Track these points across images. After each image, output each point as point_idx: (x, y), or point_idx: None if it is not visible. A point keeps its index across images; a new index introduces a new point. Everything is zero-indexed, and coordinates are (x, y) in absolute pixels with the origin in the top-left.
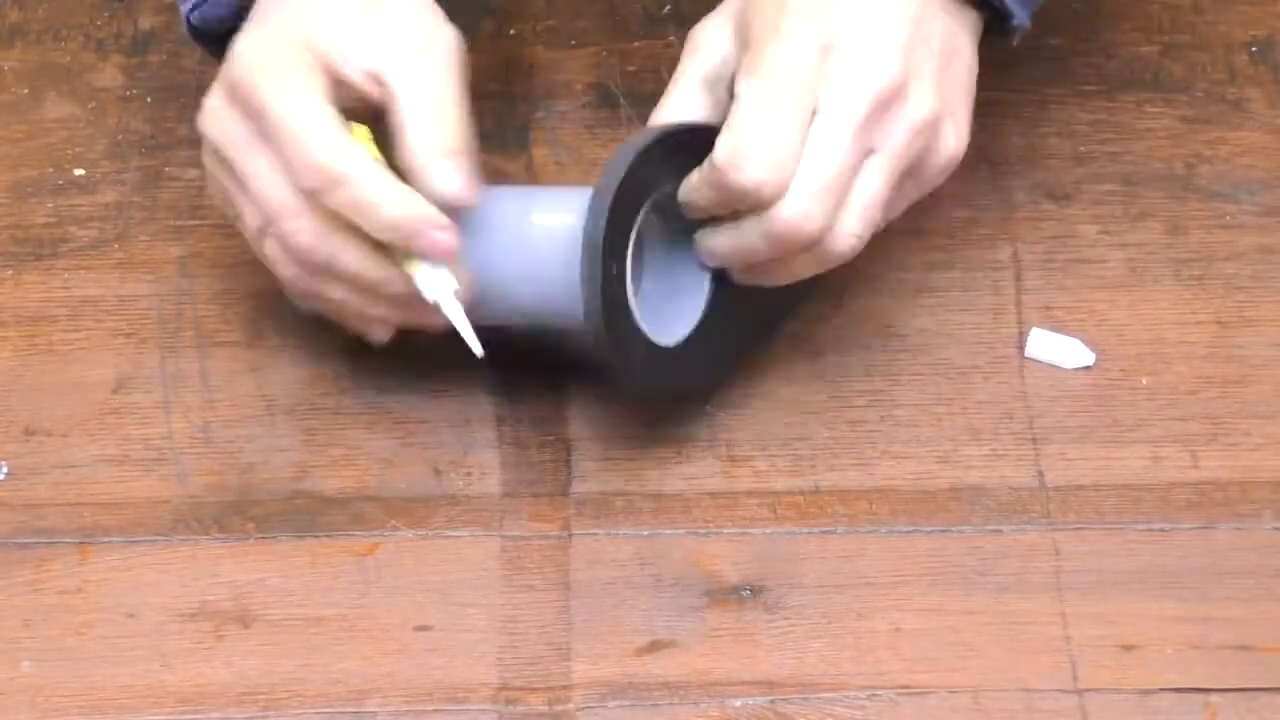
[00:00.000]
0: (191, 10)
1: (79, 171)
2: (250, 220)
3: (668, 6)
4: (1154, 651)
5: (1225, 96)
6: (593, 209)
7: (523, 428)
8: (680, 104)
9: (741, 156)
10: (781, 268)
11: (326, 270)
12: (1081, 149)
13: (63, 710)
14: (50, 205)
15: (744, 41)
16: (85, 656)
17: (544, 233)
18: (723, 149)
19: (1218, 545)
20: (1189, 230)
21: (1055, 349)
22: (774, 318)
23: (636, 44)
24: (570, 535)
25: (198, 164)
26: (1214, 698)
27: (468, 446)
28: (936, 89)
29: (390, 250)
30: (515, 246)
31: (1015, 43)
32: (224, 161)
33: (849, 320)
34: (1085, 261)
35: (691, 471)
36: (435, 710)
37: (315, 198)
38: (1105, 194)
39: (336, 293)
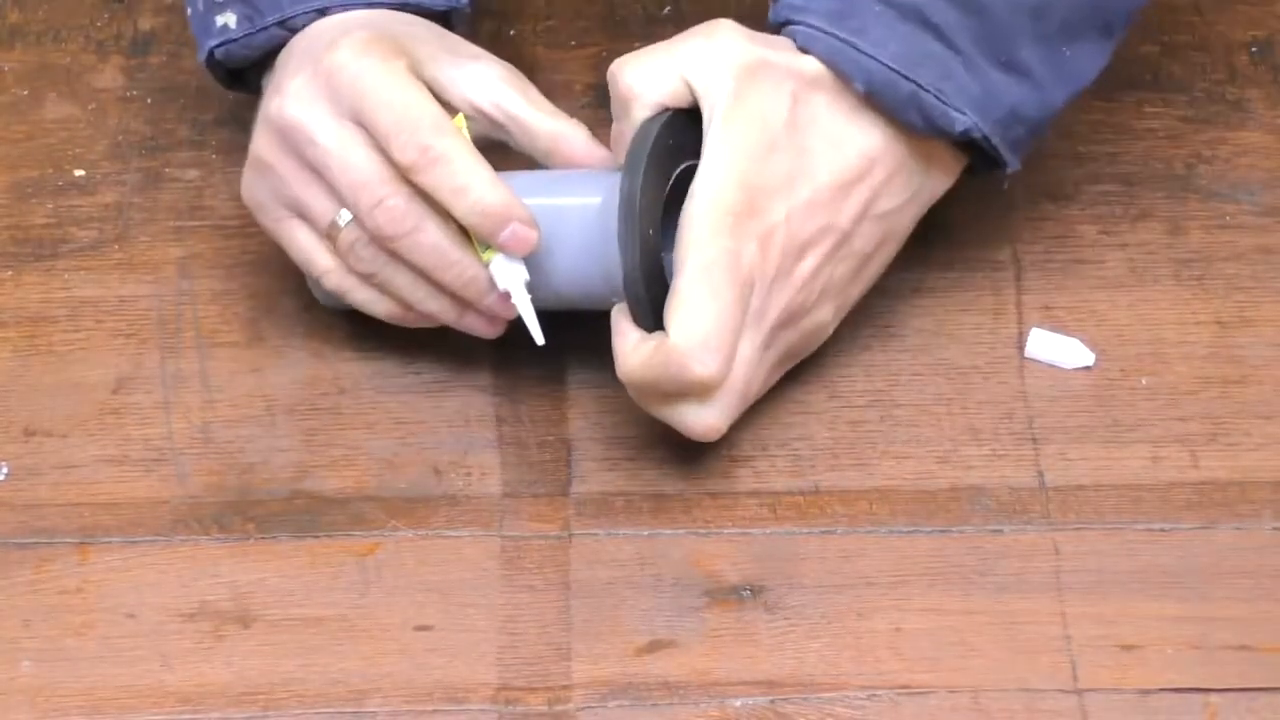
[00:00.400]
0: (219, 46)
1: (79, 172)
2: (319, 207)
3: (668, 7)
4: (1154, 651)
5: (1225, 96)
6: (628, 173)
7: (523, 428)
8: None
9: (695, 354)
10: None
11: (404, 248)
12: (1081, 149)
13: (63, 710)
14: (50, 206)
15: (702, 185)
16: (85, 656)
17: (576, 213)
18: (679, 339)
19: (1218, 545)
20: (1189, 230)
21: (1055, 349)
22: None
23: (636, 44)
24: (570, 535)
25: (198, 165)
26: (1214, 698)
27: (468, 446)
28: (836, 303)
29: (466, 238)
30: (549, 231)
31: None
32: (295, 148)
33: (849, 320)
34: (1085, 261)
35: (691, 471)
36: (435, 710)
37: (411, 174)
38: (1105, 194)
39: (401, 279)
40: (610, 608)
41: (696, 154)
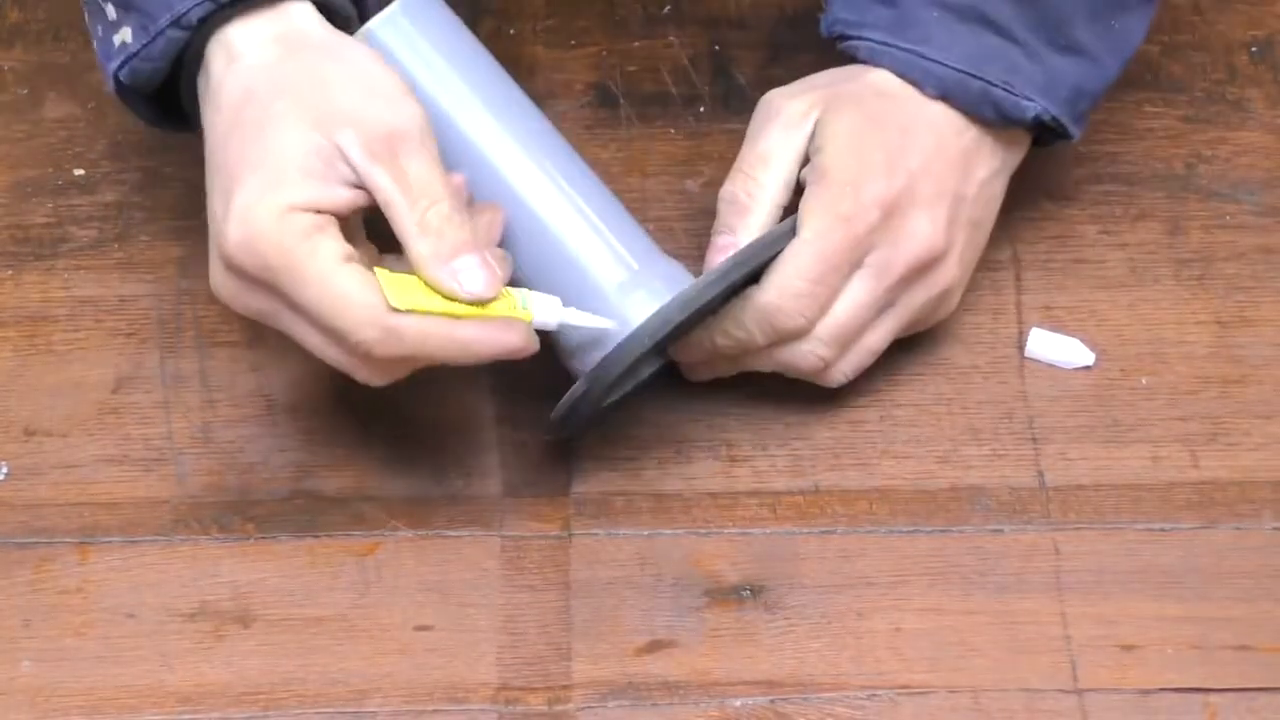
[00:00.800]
0: (120, 67)
1: (79, 171)
2: (310, 341)
3: (668, 7)
4: (1154, 651)
5: (1225, 96)
6: (612, 359)
7: (523, 428)
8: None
9: (786, 305)
10: (751, 365)
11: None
12: (1081, 149)
13: (63, 710)
14: (50, 205)
15: (822, 163)
16: (85, 656)
17: (575, 327)
18: (772, 293)
19: (1218, 545)
20: (1189, 230)
21: (1055, 349)
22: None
23: (636, 44)
24: (570, 535)
25: (198, 164)
26: (1214, 698)
27: (468, 446)
28: (961, 262)
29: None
30: (560, 267)
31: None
32: (260, 294)
33: None
34: (1085, 261)
35: (691, 471)
36: (435, 710)
37: (375, 352)
38: (1105, 194)
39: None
40: (610, 608)
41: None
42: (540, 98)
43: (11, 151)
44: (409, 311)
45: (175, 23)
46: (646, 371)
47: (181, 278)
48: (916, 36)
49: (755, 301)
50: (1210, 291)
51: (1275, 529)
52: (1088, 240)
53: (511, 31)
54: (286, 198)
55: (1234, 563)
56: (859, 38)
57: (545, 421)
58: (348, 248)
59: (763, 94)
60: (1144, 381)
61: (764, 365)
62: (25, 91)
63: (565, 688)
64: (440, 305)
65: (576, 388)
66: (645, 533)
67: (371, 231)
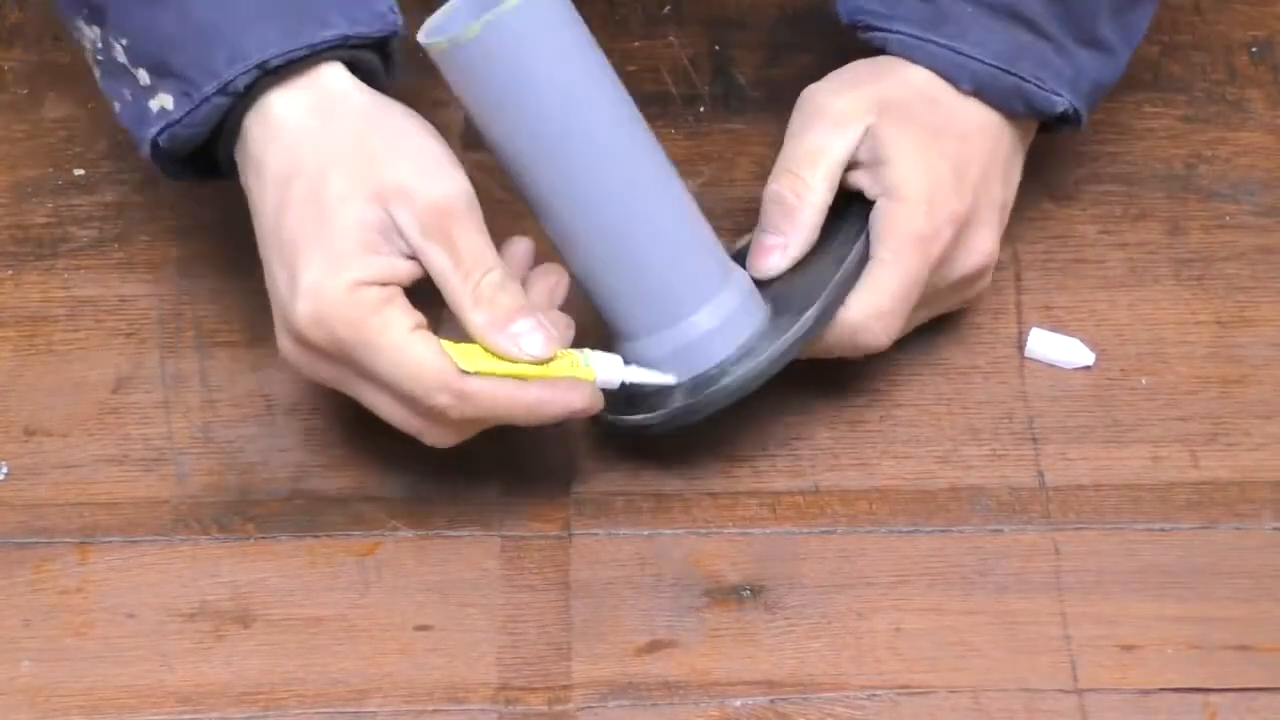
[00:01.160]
0: (160, 132)
1: (79, 171)
2: (383, 409)
3: (667, 7)
4: (1154, 651)
5: (1225, 96)
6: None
7: (523, 428)
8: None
9: (875, 324)
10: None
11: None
12: (1081, 149)
13: (63, 710)
14: (50, 205)
15: (888, 186)
16: (85, 656)
17: (671, 307)
18: (859, 312)
19: (1218, 545)
20: (1189, 230)
21: (1055, 349)
22: None
23: (636, 44)
24: (570, 535)
25: None
26: (1214, 698)
27: (468, 446)
28: (996, 251)
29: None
30: (641, 284)
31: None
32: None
33: None
34: (1085, 261)
35: (691, 471)
36: (435, 710)
37: (450, 413)
38: (1105, 194)
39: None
40: (610, 608)
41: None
42: None
43: (11, 151)
44: (477, 374)
45: (221, 90)
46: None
47: (181, 277)
48: (952, 32)
49: (840, 321)
50: (1210, 291)
51: (1275, 529)
52: (1088, 240)
53: None
54: (354, 274)
55: (1234, 563)
56: (889, 30)
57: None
58: (416, 316)
59: (763, 94)
60: (1144, 381)
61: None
62: (25, 91)
63: (565, 688)
64: (506, 368)
65: (676, 409)
66: (645, 533)
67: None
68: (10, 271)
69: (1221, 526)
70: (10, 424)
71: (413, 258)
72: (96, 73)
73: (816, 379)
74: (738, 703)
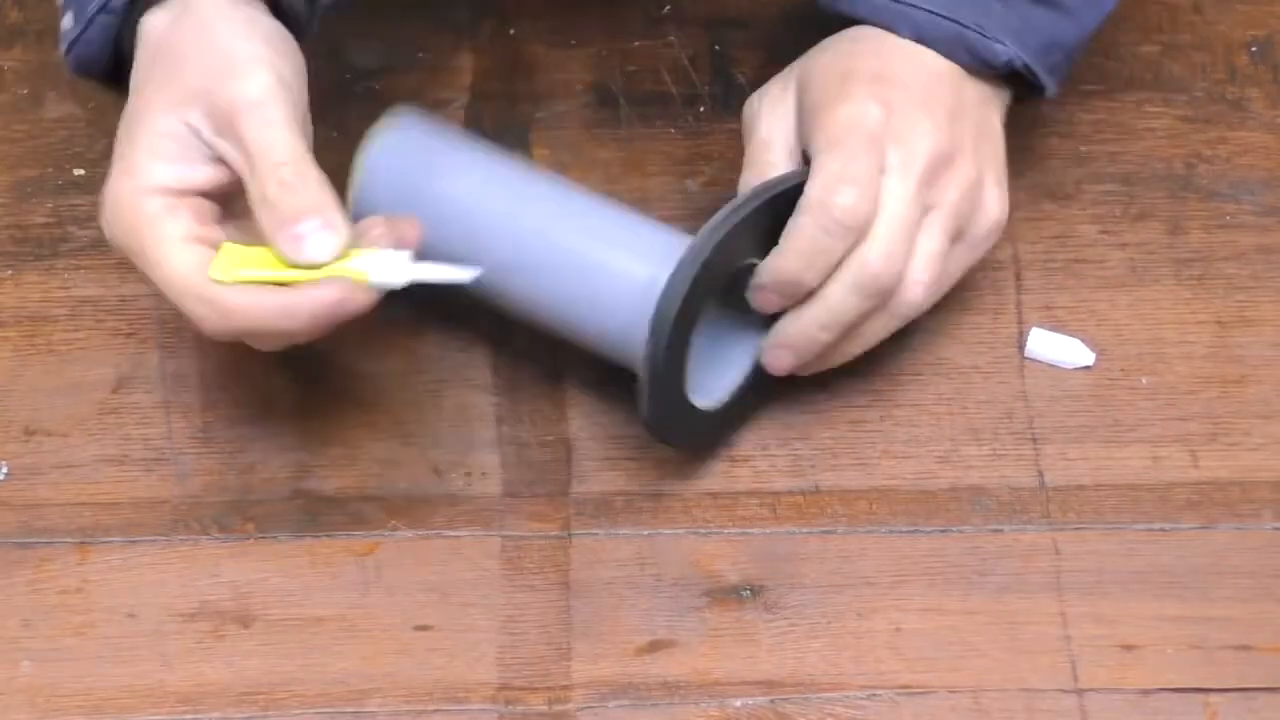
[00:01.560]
0: (67, 51)
1: (79, 171)
2: None
3: (668, 6)
4: (1154, 651)
5: (1225, 96)
6: (673, 285)
7: (523, 428)
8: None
9: (835, 190)
10: (857, 338)
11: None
12: (1081, 149)
13: (63, 710)
14: (50, 205)
15: (811, 107)
16: (85, 656)
17: (620, 279)
18: (816, 188)
19: (1218, 545)
20: (1189, 230)
21: (1055, 349)
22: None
23: (636, 44)
24: (570, 535)
25: None
26: (1214, 698)
27: (468, 446)
28: (975, 158)
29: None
30: (588, 282)
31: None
32: None
33: None
34: (1085, 261)
35: (691, 471)
36: (435, 710)
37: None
38: (1105, 194)
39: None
40: (610, 608)
41: (749, 254)
42: (540, 98)
43: (11, 151)
44: (234, 283)
45: (103, 8)
46: (734, 373)
47: None
48: None
49: (803, 212)
50: (1210, 291)
51: (1275, 529)
52: (1088, 240)
53: (512, 31)
54: (138, 182)
55: (1234, 563)
56: None
57: (545, 422)
58: (196, 228)
59: None
60: (1144, 381)
61: (846, 310)
62: (25, 91)
63: (565, 688)
64: (269, 275)
65: (645, 355)
66: (645, 533)
67: None
68: (10, 271)
69: (1221, 526)
70: (10, 424)
71: (222, 162)
72: None
73: (816, 379)
74: (738, 703)
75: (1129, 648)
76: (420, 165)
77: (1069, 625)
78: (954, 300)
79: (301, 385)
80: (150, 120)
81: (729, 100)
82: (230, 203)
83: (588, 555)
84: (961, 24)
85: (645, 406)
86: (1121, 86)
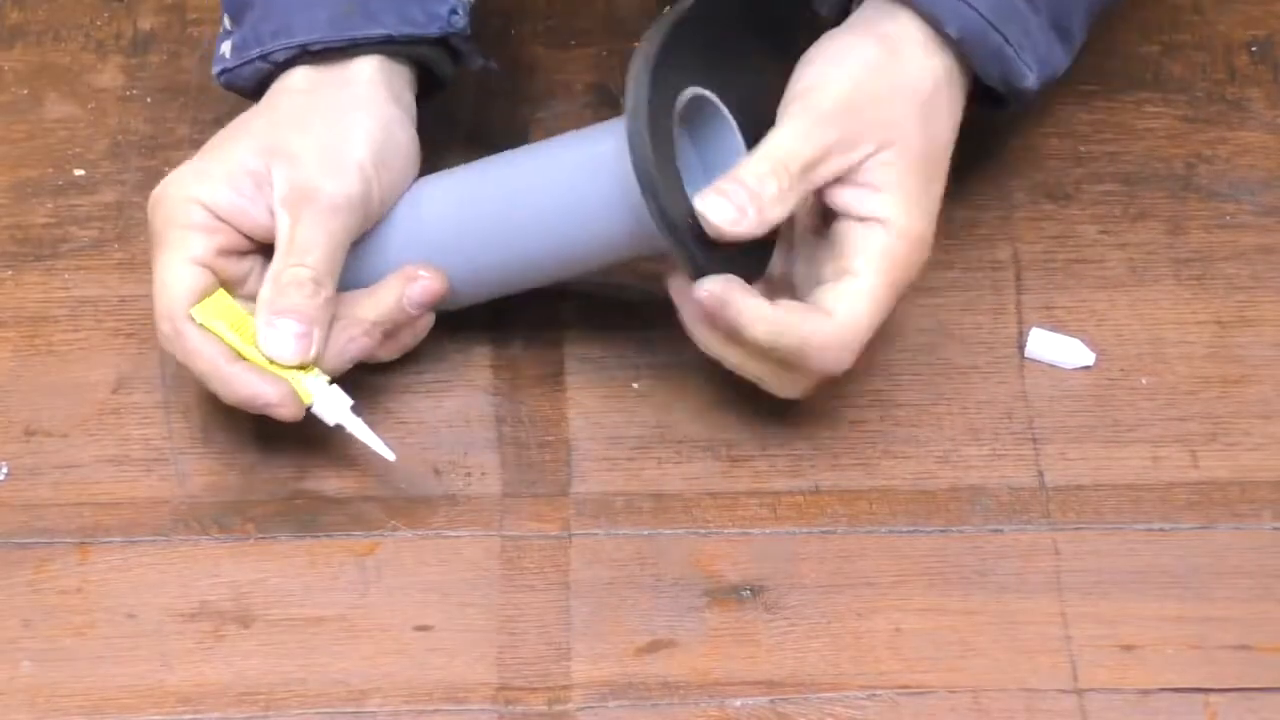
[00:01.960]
0: (220, 74)
1: (79, 172)
2: None
3: (667, 7)
4: (1154, 651)
5: (1225, 96)
6: (633, 78)
7: (523, 428)
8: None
9: (839, 354)
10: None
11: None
12: (1081, 149)
13: (63, 710)
14: (50, 205)
15: (881, 218)
16: (85, 656)
17: (588, 161)
18: (824, 342)
19: (1218, 545)
20: (1189, 230)
21: (1055, 349)
22: None
23: (636, 44)
24: (570, 535)
25: None
26: (1214, 698)
27: (468, 446)
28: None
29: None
30: (563, 189)
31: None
32: None
33: None
34: (1085, 261)
35: (691, 471)
36: (435, 710)
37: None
38: (1105, 194)
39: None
40: (610, 608)
41: (703, 72)
42: (540, 98)
43: (11, 152)
44: (202, 326)
45: (263, 57)
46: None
47: None
48: None
49: (813, 332)
50: (1210, 291)
51: (1275, 529)
52: (1088, 240)
53: (512, 32)
54: (197, 190)
55: (1234, 563)
56: None
57: (545, 422)
58: (213, 258)
59: None
60: (1144, 381)
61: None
62: (25, 92)
63: (565, 688)
64: (236, 341)
65: (642, 183)
66: (645, 533)
67: None
68: (10, 272)
69: (1221, 526)
70: (10, 424)
71: (272, 218)
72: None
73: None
74: (738, 703)
75: (1129, 648)
76: None
77: (1069, 625)
78: (954, 300)
79: None
80: (246, 151)
81: None
82: (266, 250)
83: (588, 555)
84: (1006, 39)
85: (665, 229)
86: (1121, 86)
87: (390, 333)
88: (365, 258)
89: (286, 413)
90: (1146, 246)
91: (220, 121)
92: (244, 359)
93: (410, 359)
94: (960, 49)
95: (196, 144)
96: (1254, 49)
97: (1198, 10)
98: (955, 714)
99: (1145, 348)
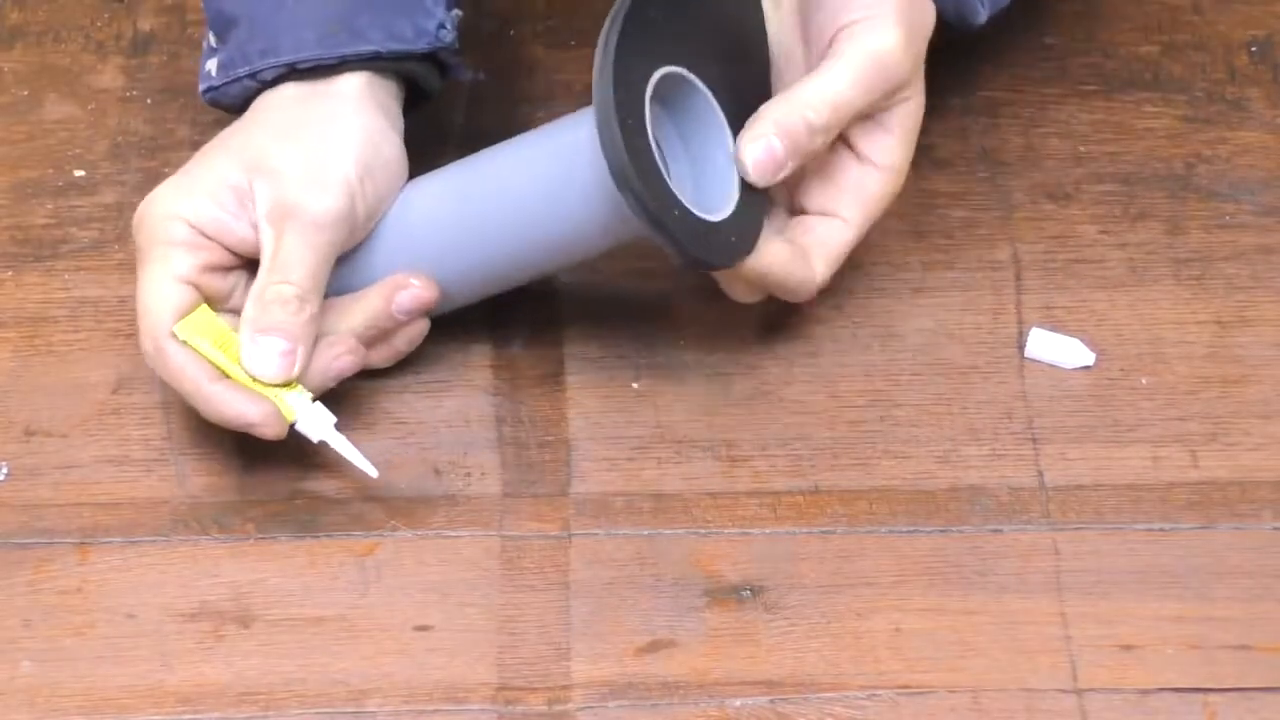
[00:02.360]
0: (205, 91)
1: (79, 173)
2: None
3: None
4: (1154, 651)
5: (1225, 96)
6: (597, 68)
7: (523, 428)
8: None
9: (805, 293)
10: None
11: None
12: (1081, 149)
13: (63, 710)
14: (50, 206)
15: (879, 161)
16: (85, 656)
17: (567, 151)
18: (797, 286)
19: (1218, 545)
20: (1189, 230)
21: (1055, 349)
22: None
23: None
24: (570, 535)
25: None
26: (1214, 698)
27: (468, 446)
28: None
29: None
30: (538, 184)
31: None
32: None
33: (849, 321)
34: (1085, 261)
35: (691, 471)
36: (435, 710)
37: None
38: (1105, 194)
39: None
40: (610, 608)
41: (672, 46)
42: (540, 98)
43: (11, 153)
44: (185, 343)
45: (251, 76)
46: (727, 176)
47: None
48: None
49: (779, 257)
50: (1210, 291)
51: (1275, 529)
52: (1087, 240)
53: (511, 32)
54: (179, 207)
55: (1234, 563)
56: None
57: (545, 422)
58: (197, 274)
59: None
60: (1144, 381)
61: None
62: (25, 93)
63: (565, 688)
64: (219, 358)
65: (613, 169)
66: (645, 533)
67: None
68: (10, 272)
69: (1221, 526)
70: (10, 424)
71: (255, 234)
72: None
73: (817, 379)
74: (738, 703)
75: (1129, 648)
76: None
77: (1069, 625)
78: (954, 300)
79: None
80: (229, 166)
81: None
82: (251, 266)
83: (588, 555)
84: None
85: (648, 217)
86: (1121, 86)
87: (379, 338)
88: (352, 261)
89: (269, 432)
90: (1146, 246)
91: (220, 123)
92: (227, 377)
93: (409, 359)
94: None
95: (196, 145)
96: (1254, 49)
97: (1198, 10)
98: (955, 714)
99: (1145, 348)
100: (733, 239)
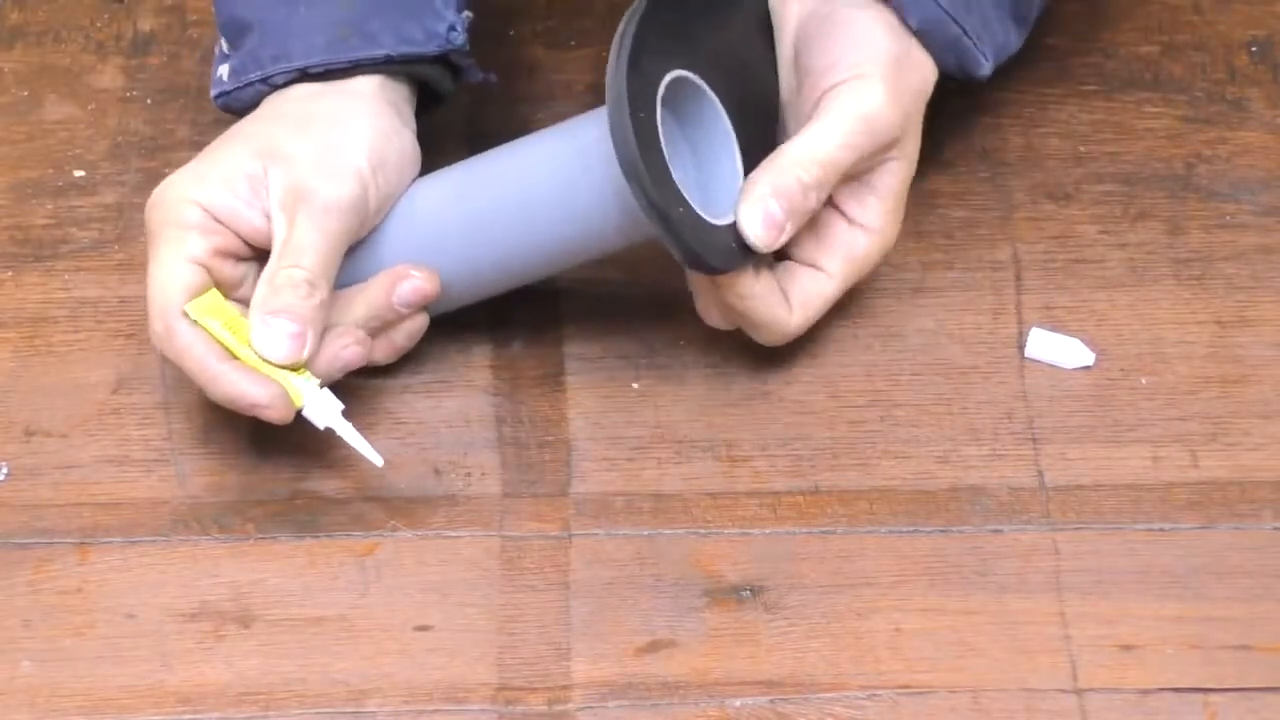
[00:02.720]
0: (217, 96)
1: (79, 173)
2: None
3: None
4: (1154, 651)
5: (1225, 96)
6: (611, 68)
7: (523, 428)
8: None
9: (781, 340)
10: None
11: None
12: (1081, 149)
13: (63, 710)
14: (50, 206)
15: (866, 222)
16: (85, 656)
17: (576, 151)
18: (777, 334)
19: (1218, 545)
20: (1189, 230)
21: (1055, 349)
22: None
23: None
24: (570, 535)
25: None
26: (1214, 698)
27: (468, 446)
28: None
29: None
30: (547, 185)
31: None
32: None
33: (849, 320)
34: (1085, 261)
35: (691, 471)
36: (435, 710)
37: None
38: (1105, 194)
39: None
40: (610, 608)
41: (684, 52)
42: (540, 98)
43: (11, 153)
44: (196, 323)
45: (263, 80)
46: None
47: None
48: None
49: (760, 297)
50: (1210, 291)
51: (1275, 529)
52: (1087, 240)
53: (511, 32)
54: (193, 191)
55: (1234, 563)
56: None
57: (545, 422)
58: (209, 258)
59: None
60: (1144, 381)
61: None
62: (25, 93)
63: (565, 688)
64: (229, 339)
65: (624, 165)
66: (645, 533)
67: None
68: (10, 272)
69: (1221, 526)
70: (10, 424)
71: (267, 222)
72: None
73: (817, 379)
74: (738, 703)
75: (1129, 648)
76: None
77: (1069, 625)
78: (954, 300)
79: None
80: (243, 154)
81: None
82: (262, 257)
83: (588, 555)
84: (964, 30)
85: (655, 216)
86: (1121, 86)
87: (380, 331)
88: (360, 256)
89: (275, 414)
90: (1146, 246)
91: (220, 123)
92: (235, 358)
93: (410, 359)
94: (920, 40)
95: (197, 145)
96: (1254, 49)
97: (1198, 10)
98: (955, 714)
99: (1145, 348)
100: (733, 245)
